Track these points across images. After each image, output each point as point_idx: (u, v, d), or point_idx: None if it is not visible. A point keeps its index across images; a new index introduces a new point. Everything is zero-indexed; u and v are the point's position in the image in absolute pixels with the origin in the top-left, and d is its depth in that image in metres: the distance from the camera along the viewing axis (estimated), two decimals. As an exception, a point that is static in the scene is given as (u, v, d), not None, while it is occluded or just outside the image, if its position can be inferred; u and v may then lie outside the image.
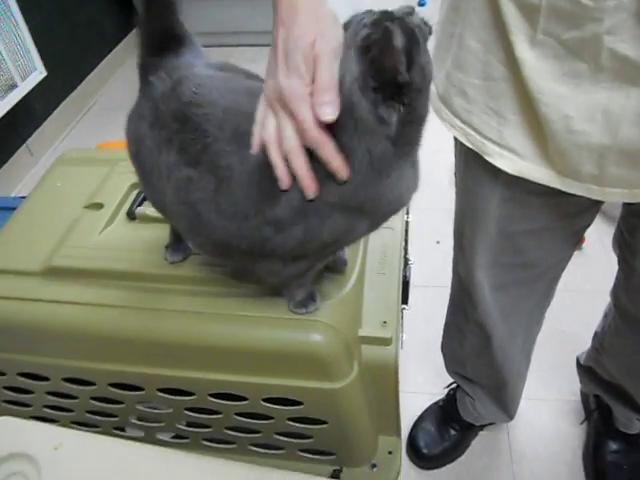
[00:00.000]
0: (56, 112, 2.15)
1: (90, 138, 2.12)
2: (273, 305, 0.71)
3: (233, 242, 0.57)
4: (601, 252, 1.56)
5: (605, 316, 0.95)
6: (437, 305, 1.34)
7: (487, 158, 0.63)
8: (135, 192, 0.90)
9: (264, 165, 0.52)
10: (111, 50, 2.49)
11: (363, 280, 0.80)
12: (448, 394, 1.15)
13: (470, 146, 0.64)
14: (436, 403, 1.17)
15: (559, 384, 1.23)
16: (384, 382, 0.76)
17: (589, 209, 0.69)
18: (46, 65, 1.88)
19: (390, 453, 0.84)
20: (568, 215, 0.69)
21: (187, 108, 0.56)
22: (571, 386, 1.22)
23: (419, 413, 1.18)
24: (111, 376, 0.77)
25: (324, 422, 0.76)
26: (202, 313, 0.72)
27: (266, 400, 0.74)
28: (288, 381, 0.72)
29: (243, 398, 0.75)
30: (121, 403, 0.81)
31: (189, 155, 0.55)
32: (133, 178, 0.92)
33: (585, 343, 1.09)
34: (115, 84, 2.46)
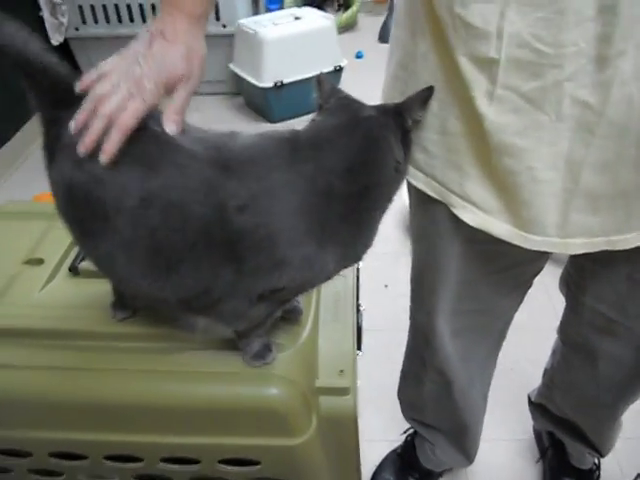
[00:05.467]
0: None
1: (26, 189, 2.03)
2: (226, 359, 0.69)
3: (195, 271, 0.55)
4: (542, 291, 1.61)
5: (553, 353, 0.97)
6: (389, 349, 1.34)
7: (452, 209, 0.63)
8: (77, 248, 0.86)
9: None
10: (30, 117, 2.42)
11: (317, 329, 0.79)
12: (406, 440, 1.14)
13: (435, 197, 0.65)
14: (394, 451, 1.15)
15: (513, 423, 1.25)
16: (344, 433, 0.74)
17: (543, 256, 0.72)
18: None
19: (353, 513, 0.81)
20: (524, 262, 0.71)
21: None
22: (525, 424, 1.23)
23: (377, 462, 1.15)
24: (52, 445, 0.72)
25: (283, 481, 0.73)
26: (153, 371, 0.68)
27: (222, 462, 0.71)
28: (245, 440, 0.69)
29: (197, 461, 0.71)
30: (60, 475, 0.75)
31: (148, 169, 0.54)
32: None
33: (534, 379, 1.11)
34: (38, 151, 2.39)
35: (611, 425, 0.94)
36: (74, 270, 0.82)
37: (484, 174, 0.59)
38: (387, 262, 1.72)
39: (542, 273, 1.68)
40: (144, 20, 2.52)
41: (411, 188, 0.72)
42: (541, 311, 1.52)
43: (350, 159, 0.55)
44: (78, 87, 0.56)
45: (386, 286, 1.65)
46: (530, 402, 1.11)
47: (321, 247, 0.55)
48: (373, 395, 1.28)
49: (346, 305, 0.84)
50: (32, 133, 2.32)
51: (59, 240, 0.87)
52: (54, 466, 0.74)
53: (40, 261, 0.84)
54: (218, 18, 2.48)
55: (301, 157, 0.54)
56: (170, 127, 0.55)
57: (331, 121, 0.56)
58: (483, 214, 0.61)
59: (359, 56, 3.01)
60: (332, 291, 0.86)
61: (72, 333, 0.72)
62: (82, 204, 0.56)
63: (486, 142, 0.56)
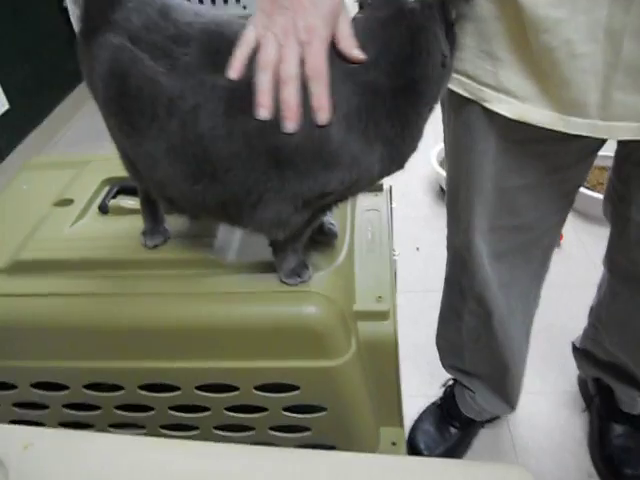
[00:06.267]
0: (20, 146, 2.09)
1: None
2: (262, 280, 0.67)
3: (242, 178, 0.53)
4: (580, 248, 1.57)
5: (599, 287, 0.93)
6: (422, 310, 1.33)
7: (486, 104, 0.61)
8: (107, 188, 0.86)
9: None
10: (74, 88, 2.47)
11: (353, 257, 0.76)
12: (445, 391, 1.10)
13: (467, 95, 0.63)
14: (434, 403, 1.12)
15: (555, 376, 1.20)
16: (384, 360, 0.71)
17: (583, 160, 0.68)
18: (10, 100, 1.84)
19: (394, 444, 0.78)
20: (563, 167, 0.67)
21: (186, 30, 0.53)
22: (567, 377, 1.19)
23: (416, 417, 1.12)
24: (87, 376, 0.70)
25: (322, 409, 0.70)
26: (185, 294, 0.67)
27: (259, 388, 0.69)
28: (282, 362, 0.67)
29: (233, 388, 0.69)
30: (98, 409, 0.74)
31: (194, 77, 0.51)
32: (106, 174, 0.89)
33: (574, 334, 1.09)
34: (80, 121, 2.43)
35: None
36: (104, 208, 0.81)
37: (519, 58, 0.57)
38: (418, 225, 1.70)
39: (579, 231, 1.66)
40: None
41: (443, 98, 0.69)
42: (579, 267, 1.48)
43: (395, 52, 0.52)
44: (233, 74, 0.50)
45: (417, 249, 1.62)
46: (575, 349, 1.07)
47: (368, 144, 0.53)
48: (409, 353, 1.26)
49: (382, 238, 0.82)
50: (60, 121, 2.37)
51: (88, 183, 0.87)
52: (90, 399, 0.73)
53: (70, 201, 0.83)
54: (238, 0, 2.49)
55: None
56: (357, 54, 0.50)
57: (374, 15, 0.53)
58: (520, 103, 0.58)
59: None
60: (367, 224, 0.84)
61: (104, 262, 0.71)
62: (131, 96, 0.54)
63: (520, 21, 0.54)
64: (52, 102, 2.35)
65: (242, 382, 0.68)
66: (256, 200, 0.55)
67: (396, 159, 0.56)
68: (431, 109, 0.57)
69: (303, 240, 0.63)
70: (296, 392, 0.68)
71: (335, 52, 0.51)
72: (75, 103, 2.45)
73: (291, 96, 0.49)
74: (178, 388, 0.70)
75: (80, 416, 0.75)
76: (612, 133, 0.56)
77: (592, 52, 0.52)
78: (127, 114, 0.55)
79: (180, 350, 0.67)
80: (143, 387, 0.70)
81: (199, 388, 0.70)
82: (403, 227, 1.68)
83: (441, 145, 1.74)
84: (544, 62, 0.55)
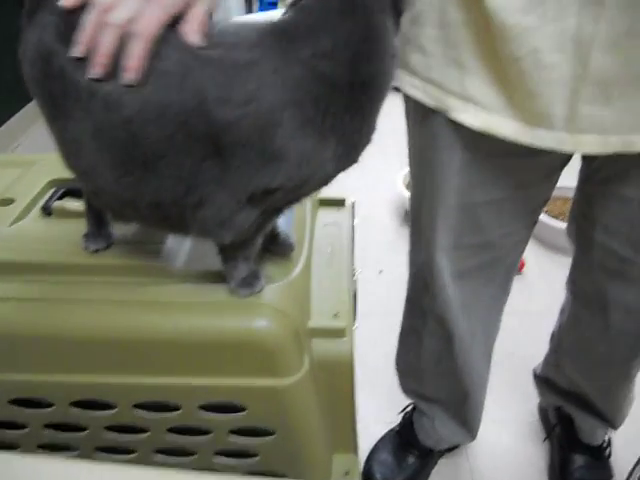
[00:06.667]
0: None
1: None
2: (210, 290, 0.62)
3: (178, 168, 0.50)
4: (541, 276, 1.58)
5: (561, 312, 0.92)
6: (383, 333, 1.30)
7: (451, 114, 0.59)
8: (54, 189, 0.80)
9: None
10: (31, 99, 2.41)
11: (310, 271, 0.73)
12: (404, 418, 1.07)
13: (432, 103, 0.61)
14: (392, 430, 1.08)
15: (516, 405, 1.18)
16: (339, 381, 0.67)
17: (549, 177, 0.67)
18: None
19: (347, 474, 0.74)
20: (529, 183, 0.66)
21: None
22: (528, 406, 1.17)
23: (373, 445, 1.08)
24: (10, 390, 0.64)
25: (271, 433, 0.65)
26: (123, 302, 0.61)
27: (203, 408, 0.64)
28: (229, 380, 0.62)
29: (175, 408, 0.64)
30: (24, 427, 0.67)
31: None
32: (53, 174, 0.84)
33: (535, 362, 1.07)
34: (36, 133, 2.35)
35: (623, 390, 0.87)
36: (47, 209, 0.75)
37: (486, 66, 0.55)
38: (382, 248, 1.68)
39: (540, 258, 1.67)
40: None
41: (409, 105, 0.68)
42: (541, 295, 1.49)
43: (352, 47, 0.49)
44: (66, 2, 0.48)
45: (381, 272, 1.60)
46: (535, 376, 1.05)
47: (322, 140, 0.50)
48: (367, 379, 1.22)
49: (341, 253, 0.78)
50: (16, 131, 2.30)
51: (33, 183, 0.82)
52: (15, 416, 0.66)
53: (10, 201, 0.77)
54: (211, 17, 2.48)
55: (295, 41, 0.49)
56: (193, 37, 0.47)
57: (328, 4, 0.51)
58: (485, 114, 0.57)
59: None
60: (326, 239, 0.80)
61: (38, 266, 0.65)
62: (55, 76, 0.50)
63: (488, 28, 0.52)
64: (10, 110, 2.28)
65: (185, 401, 0.63)
66: (195, 196, 0.51)
67: (352, 155, 0.53)
68: (383, 101, 0.55)
69: (255, 247, 0.60)
70: (243, 413, 0.64)
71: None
72: (35, 111, 2.39)
73: (105, 43, 0.46)
74: (114, 406, 0.64)
75: (5, 434, 0.68)
76: (578, 147, 0.55)
77: (559, 63, 0.51)
78: (51, 96, 0.52)
79: (116, 363, 0.61)
80: (75, 404, 0.64)
81: (138, 406, 0.64)
82: (367, 250, 1.67)
83: (407, 169, 1.74)
84: (511, 71, 0.53)
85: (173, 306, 0.61)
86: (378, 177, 1.86)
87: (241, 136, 0.48)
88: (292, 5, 0.53)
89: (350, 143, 0.52)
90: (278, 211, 0.58)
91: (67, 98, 0.50)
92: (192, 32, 0.47)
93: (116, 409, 0.64)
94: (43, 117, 0.57)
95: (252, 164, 0.49)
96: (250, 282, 0.61)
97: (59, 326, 0.60)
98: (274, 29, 0.50)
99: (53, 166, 0.85)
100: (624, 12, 0.48)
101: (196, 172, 0.50)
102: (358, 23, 0.50)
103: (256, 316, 0.60)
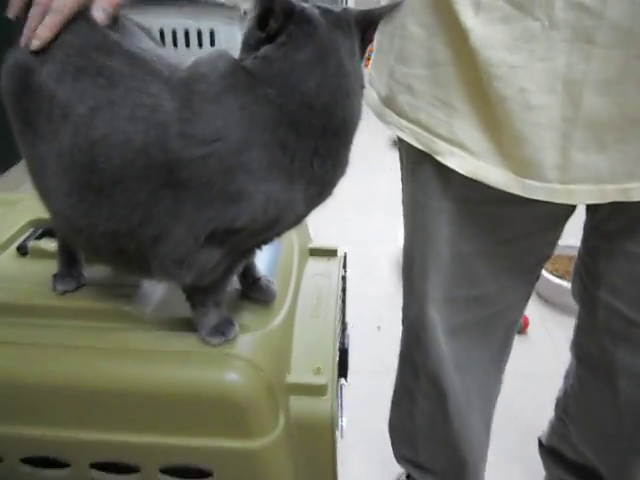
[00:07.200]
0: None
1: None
2: (180, 338, 0.58)
3: (132, 195, 0.48)
4: (546, 337, 1.51)
5: (566, 377, 0.85)
6: (379, 392, 1.22)
7: (438, 158, 0.57)
8: (32, 229, 0.78)
9: None
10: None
11: (293, 321, 0.68)
12: (397, 488, 0.98)
13: (419, 146, 0.58)
14: (383, 501, 0.99)
15: (519, 475, 1.09)
16: (318, 443, 0.61)
17: (548, 230, 0.64)
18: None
19: None
20: (525, 234, 0.62)
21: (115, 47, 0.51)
22: (533, 476, 1.08)
23: (363, 516, 0.99)
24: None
25: (241, 501, 0.59)
26: (84, 348, 0.57)
27: (164, 472, 0.58)
28: (195, 440, 0.56)
29: (134, 469, 0.58)
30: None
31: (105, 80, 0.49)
32: (35, 213, 0.81)
33: (540, 428, 0.99)
34: None
35: (636, 468, 0.80)
36: (22, 249, 0.72)
37: (474, 108, 0.53)
38: (381, 304, 1.62)
39: (545, 318, 1.60)
40: None
41: (402, 147, 0.65)
42: (546, 357, 1.41)
43: (325, 96, 0.47)
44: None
45: (379, 328, 1.54)
46: (541, 446, 0.97)
47: (291, 182, 0.47)
48: (360, 439, 1.15)
49: (328, 304, 0.74)
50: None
51: (12, 222, 0.79)
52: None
53: (-15, 239, 0.74)
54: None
55: (266, 83, 0.46)
56: (98, 14, 0.51)
57: (294, 55, 0.47)
58: (474, 159, 0.54)
59: None
60: (313, 289, 0.76)
61: (8, 306, 0.62)
62: (32, 95, 0.51)
63: (475, 66, 0.50)
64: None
65: (145, 462, 0.57)
66: (150, 228, 0.49)
67: (324, 193, 0.51)
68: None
69: (224, 292, 0.55)
70: (210, 479, 0.57)
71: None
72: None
73: (31, 17, 0.49)
74: (67, 465, 0.58)
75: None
76: (572, 197, 0.52)
77: (549, 105, 0.48)
78: (25, 112, 0.52)
79: (72, 416, 0.56)
80: (25, 460, 0.58)
81: (94, 466, 0.58)
82: (365, 305, 1.61)
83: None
84: (498, 113, 0.51)
85: (137, 354, 0.56)
86: (379, 230, 1.83)
87: (202, 174, 0.46)
88: (250, 49, 0.49)
89: (323, 185, 0.49)
90: (248, 252, 0.54)
91: (40, 116, 0.51)
92: (97, 9, 0.51)
93: (69, 468, 0.58)
94: (14, 132, 0.56)
95: (211, 202, 0.47)
96: (222, 330, 0.56)
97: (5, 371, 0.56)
98: (247, 67, 0.48)
99: (36, 206, 0.83)
100: (616, 50, 0.46)
101: (152, 201, 0.48)
102: (330, 70, 0.47)
103: (226, 368, 0.55)
